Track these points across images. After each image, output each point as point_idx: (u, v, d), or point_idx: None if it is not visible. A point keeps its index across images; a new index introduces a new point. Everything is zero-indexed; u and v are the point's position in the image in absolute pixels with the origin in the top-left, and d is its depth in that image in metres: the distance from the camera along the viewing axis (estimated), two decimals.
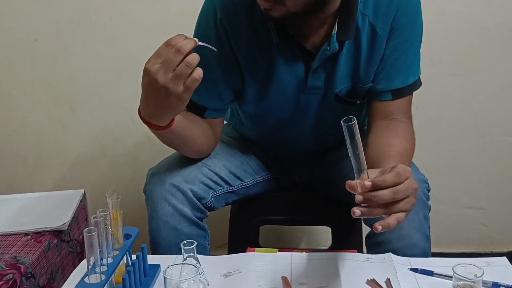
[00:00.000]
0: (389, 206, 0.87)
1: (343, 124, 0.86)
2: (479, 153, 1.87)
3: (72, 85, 1.84)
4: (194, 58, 0.94)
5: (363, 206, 0.87)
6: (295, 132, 1.31)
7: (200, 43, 0.96)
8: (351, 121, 0.85)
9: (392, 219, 0.86)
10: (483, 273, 0.93)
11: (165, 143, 1.16)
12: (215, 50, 1.00)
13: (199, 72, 0.95)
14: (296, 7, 1.02)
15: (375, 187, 0.85)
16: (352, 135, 0.86)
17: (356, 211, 0.86)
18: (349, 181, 0.87)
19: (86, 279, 0.88)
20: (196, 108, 1.20)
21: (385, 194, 0.85)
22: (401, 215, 0.87)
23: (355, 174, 0.88)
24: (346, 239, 1.46)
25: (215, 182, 1.25)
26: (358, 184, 0.87)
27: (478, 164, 1.87)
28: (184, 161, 1.24)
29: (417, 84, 1.21)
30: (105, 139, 1.90)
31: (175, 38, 0.95)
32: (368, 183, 0.85)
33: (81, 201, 1.57)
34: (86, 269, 0.88)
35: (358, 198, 0.86)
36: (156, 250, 1.18)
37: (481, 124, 1.84)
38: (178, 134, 1.11)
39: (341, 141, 1.33)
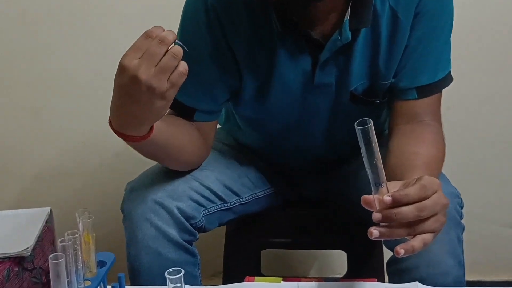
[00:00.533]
0: (413, 225, 0.86)
1: (357, 128, 0.85)
2: None
3: (38, 87, 1.85)
4: (179, 49, 0.93)
5: (382, 226, 0.86)
6: (302, 139, 1.31)
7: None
8: (367, 124, 0.85)
9: (417, 242, 0.86)
10: None
11: (146, 156, 1.16)
12: (186, 49, 0.96)
13: (184, 65, 0.94)
14: None
15: (396, 203, 0.85)
16: (367, 140, 0.85)
17: (374, 232, 0.86)
18: (365, 196, 0.87)
19: None
20: (183, 110, 1.20)
21: (408, 211, 0.85)
22: (428, 236, 0.87)
23: (372, 188, 0.87)
24: (365, 265, 1.46)
25: (207, 198, 1.25)
26: (376, 199, 0.86)
27: None
28: (170, 173, 1.24)
29: (447, 80, 1.21)
30: (77, 147, 1.91)
31: (154, 30, 0.93)
32: (387, 198, 0.85)
33: (47, 222, 1.56)
34: None
35: (376, 216, 0.85)
36: (136, 279, 1.18)
37: None
38: (160, 144, 1.10)
39: (358, 148, 1.35)
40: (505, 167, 1.87)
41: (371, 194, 0.87)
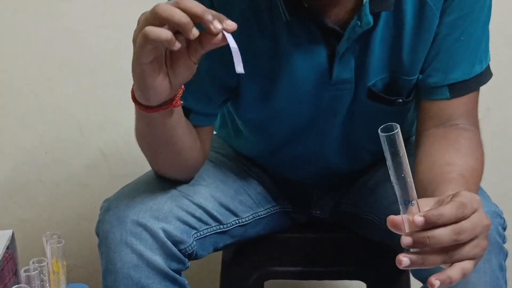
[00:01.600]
0: (449, 251, 0.85)
1: (381, 135, 0.85)
2: None
3: None
4: (168, 11, 0.91)
5: (413, 252, 0.86)
6: (313, 146, 1.31)
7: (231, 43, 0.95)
8: (393, 130, 0.84)
9: (454, 271, 0.85)
10: None
11: (148, 144, 1.18)
12: (240, 71, 0.97)
13: (162, 33, 0.91)
14: None
15: (430, 224, 0.84)
16: (394, 149, 0.85)
17: (403, 260, 0.85)
18: (392, 216, 0.86)
19: None
20: None
21: (444, 234, 0.84)
22: (467, 264, 0.86)
23: (400, 206, 0.87)
24: None
25: (199, 219, 1.25)
26: (405, 220, 0.85)
27: None
28: (154, 188, 1.24)
29: (485, 75, 1.21)
30: (43, 157, 1.91)
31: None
32: (419, 218, 0.83)
33: (8, 247, 1.57)
34: None
35: (406, 240, 0.84)
36: None
37: None
38: (169, 127, 1.11)
39: (379, 158, 1.36)
40: None
41: (398, 213, 0.86)
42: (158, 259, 1.17)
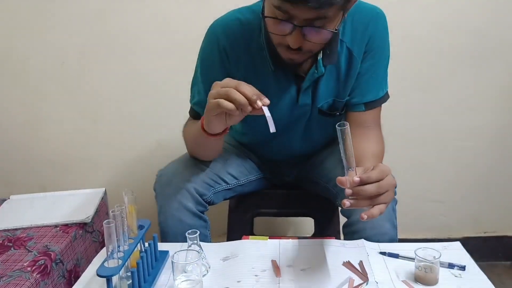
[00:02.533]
0: (373, 198, 0.86)
1: (338, 128, 0.86)
2: (438, 156, 1.87)
3: (94, 101, 1.83)
4: (234, 93, 0.93)
5: (352, 199, 0.86)
6: (287, 139, 1.30)
7: (266, 112, 0.96)
8: (344, 126, 0.85)
9: (375, 210, 0.86)
10: (440, 255, 0.94)
11: (198, 145, 1.18)
12: (273, 130, 0.98)
13: (229, 106, 0.94)
14: (317, 50, 1.05)
15: (363, 183, 0.85)
16: (344, 137, 0.86)
17: (346, 203, 0.85)
18: (339, 177, 0.86)
19: (105, 264, 0.88)
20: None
21: (371, 188, 0.85)
22: (382, 206, 0.87)
23: (345, 171, 0.88)
24: (326, 228, 1.46)
25: (215, 181, 1.25)
26: (347, 180, 0.86)
27: (437, 164, 1.88)
28: (188, 163, 1.24)
29: (386, 97, 1.21)
30: (123, 146, 1.89)
31: (245, 85, 0.95)
32: (356, 179, 0.85)
33: (102, 198, 1.57)
34: (106, 255, 0.89)
35: (348, 191, 0.85)
36: (165, 239, 1.18)
37: (439, 131, 1.84)
38: (214, 143, 1.14)
39: (324, 146, 1.36)
40: (427, 159, 1.88)
41: (341, 176, 0.87)
42: (190, 205, 1.18)
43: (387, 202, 0.88)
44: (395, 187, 1.15)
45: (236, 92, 0.93)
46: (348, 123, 0.85)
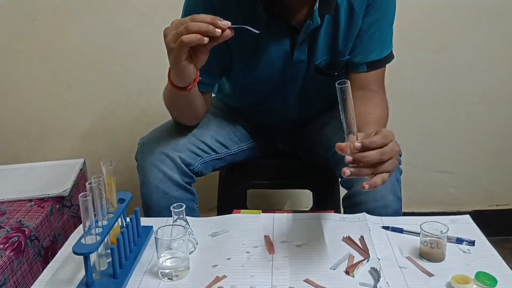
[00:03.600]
0: (375, 166, 0.85)
1: (337, 86, 0.83)
2: (448, 122, 1.87)
3: (69, 62, 1.81)
4: (194, 24, 0.93)
5: (352, 167, 0.84)
6: (281, 102, 1.29)
7: (235, 26, 0.96)
8: (345, 84, 0.83)
9: (378, 179, 0.84)
10: (448, 230, 0.93)
11: (175, 106, 1.17)
12: (257, 32, 0.97)
13: (188, 38, 0.93)
14: None
15: (365, 148, 0.83)
16: (344, 97, 0.84)
17: (347, 171, 0.83)
18: (339, 143, 0.84)
19: (82, 240, 0.87)
20: None
21: (373, 154, 0.83)
22: (385, 175, 0.85)
23: (345, 136, 0.86)
24: (326, 201, 1.46)
25: (202, 150, 1.24)
26: (348, 146, 0.84)
27: (447, 132, 1.88)
28: (173, 131, 1.23)
29: (390, 57, 1.20)
30: (103, 112, 1.88)
31: (200, 15, 0.95)
32: (358, 144, 0.83)
33: (81, 170, 1.57)
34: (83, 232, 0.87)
35: (348, 158, 0.83)
36: (148, 213, 1.18)
37: (450, 96, 1.83)
38: (191, 97, 1.12)
39: (322, 111, 1.35)
40: (436, 126, 1.87)
41: (333, 146, 0.85)
42: (176, 176, 1.17)
43: (390, 170, 0.86)
44: (400, 155, 1.15)
45: (194, 22, 0.93)
46: (348, 81, 0.83)
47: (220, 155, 1.30)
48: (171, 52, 0.97)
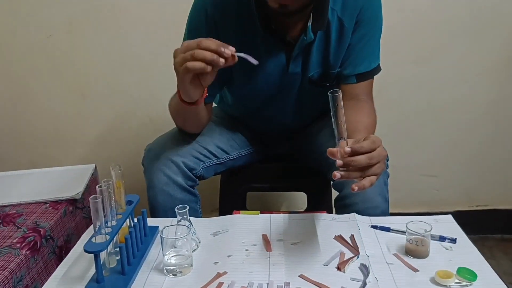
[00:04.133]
0: (364, 170, 0.85)
1: (330, 95, 0.83)
2: (432, 129, 1.86)
3: (83, 75, 1.81)
4: (200, 52, 0.91)
5: (342, 170, 0.85)
6: (278, 110, 1.29)
7: (238, 54, 0.94)
8: (337, 93, 0.83)
9: (366, 181, 0.84)
10: (431, 229, 0.93)
11: (181, 116, 1.17)
12: (256, 62, 0.97)
13: (192, 64, 0.92)
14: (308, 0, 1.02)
15: (354, 153, 0.83)
16: (336, 105, 0.84)
17: (337, 174, 0.84)
18: (330, 148, 0.85)
19: (93, 239, 0.87)
20: None
21: (362, 159, 0.84)
22: (373, 178, 0.85)
23: (336, 141, 0.86)
24: (319, 203, 1.45)
25: (204, 155, 1.24)
26: (338, 151, 0.84)
27: (431, 138, 1.87)
28: (178, 138, 1.22)
29: (377, 69, 1.20)
30: (113, 121, 1.87)
31: (206, 40, 0.93)
32: (348, 149, 0.83)
33: (92, 174, 1.56)
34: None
35: (339, 162, 0.84)
36: (154, 214, 1.17)
37: (433, 104, 1.83)
38: (196, 110, 1.12)
39: (316, 119, 1.35)
40: (421, 132, 1.87)
41: (325, 152, 0.85)
42: (180, 179, 1.17)
43: (378, 173, 0.86)
44: (387, 159, 1.15)
45: (200, 50, 0.91)
46: (340, 91, 0.83)
47: (221, 160, 1.29)
48: (178, 74, 0.97)
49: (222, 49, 0.91)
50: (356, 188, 0.83)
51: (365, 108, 1.16)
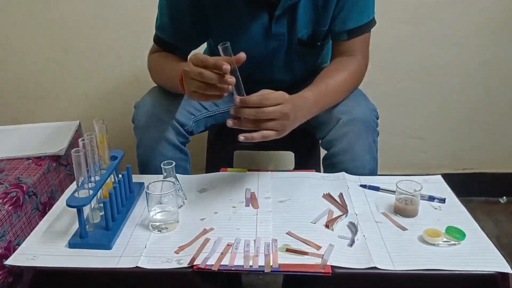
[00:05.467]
0: (256, 123, 0.90)
1: (219, 47, 0.87)
2: (421, 91, 1.84)
3: (65, 29, 1.74)
4: (212, 76, 0.89)
5: (235, 118, 0.90)
6: (266, 72, 1.25)
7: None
8: (225, 44, 0.87)
9: (256, 134, 0.90)
10: (421, 188, 0.92)
11: (171, 88, 1.15)
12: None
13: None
14: None
15: (242, 104, 0.88)
16: (228, 54, 0.88)
17: (229, 122, 0.90)
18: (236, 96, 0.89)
19: (76, 194, 0.85)
20: (166, 46, 1.18)
21: (248, 111, 0.88)
22: (269, 133, 0.91)
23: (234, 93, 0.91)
24: (307, 162, 1.44)
25: (195, 108, 1.21)
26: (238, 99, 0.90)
27: (421, 100, 1.86)
28: (167, 92, 1.18)
29: (371, 23, 1.16)
30: (97, 77, 1.82)
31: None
32: (237, 99, 0.89)
33: (77, 131, 1.53)
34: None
35: (231, 111, 0.90)
36: (145, 171, 1.15)
37: (424, 66, 1.80)
38: None
39: (307, 77, 1.31)
40: (411, 94, 1.84)
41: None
42: (171, 136, 1.14)
43: (277, 130, 0.91)
44: (377, 117, 1.13)
45: (211, 75, 0.89)
46: (228, 42, 0.87)
47: (210, 112, 1.26)
48: (187, 87, 0.96)
49: (225, 66, 0.88)
50: (242, 138, 0.89)
51: (350, 65, 1.13)
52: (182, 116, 1.16)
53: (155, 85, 1.25)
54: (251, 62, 1.21)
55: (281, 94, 0.91)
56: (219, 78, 0.88)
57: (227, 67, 0.86)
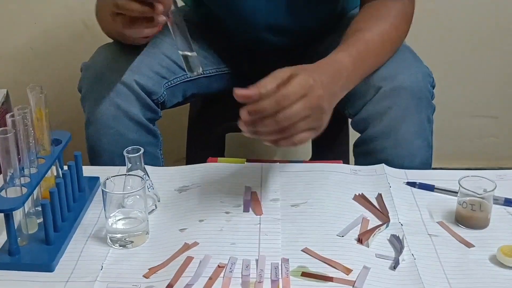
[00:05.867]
0: (281, 131, 0.90)
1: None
2: (493, 56, 1.88)
3: None
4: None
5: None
6: (270, 15, 1.25)
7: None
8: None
9: (286, 142, 0.90)
10: (495, 187, 0.92)
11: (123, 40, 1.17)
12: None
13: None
14: None
15: (253, 113, 0.91)
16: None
17: (243, 127, 0.94)
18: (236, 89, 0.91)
19: (2, 193, 0.85)
20: None
21: (266, 123, 0.90)
22: (302, 137, 0.91)
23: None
24: (329, 149, 1.46)
25: (168, 69, 1.21)
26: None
27: (492, 67, 1.89)
28: (127, 47, 1.18)
29: None
30: (32, 27, 1.85)
31: None
32: (239, 96, 0.92)
33: (3, 103, 1.54)
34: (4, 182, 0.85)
35: (241, 114, 0.92)
36: (95, 161, 1.16)
37: (499, 24, 1.84)
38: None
39: (325, 28, 1.31)
40: (476, 61, 1.88)
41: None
42: (134, 109, 1.14)
43: (312, 129, 0.92)
44: (433, 86, 1.12)
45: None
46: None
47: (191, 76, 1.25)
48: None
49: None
50: (267, 142, 0.94)
51: (391, 11, 1.12)
52: (149, 79, 1.15)
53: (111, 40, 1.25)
54: (250, 2, 1.22)
55: (303, 80, 0.89)
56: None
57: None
